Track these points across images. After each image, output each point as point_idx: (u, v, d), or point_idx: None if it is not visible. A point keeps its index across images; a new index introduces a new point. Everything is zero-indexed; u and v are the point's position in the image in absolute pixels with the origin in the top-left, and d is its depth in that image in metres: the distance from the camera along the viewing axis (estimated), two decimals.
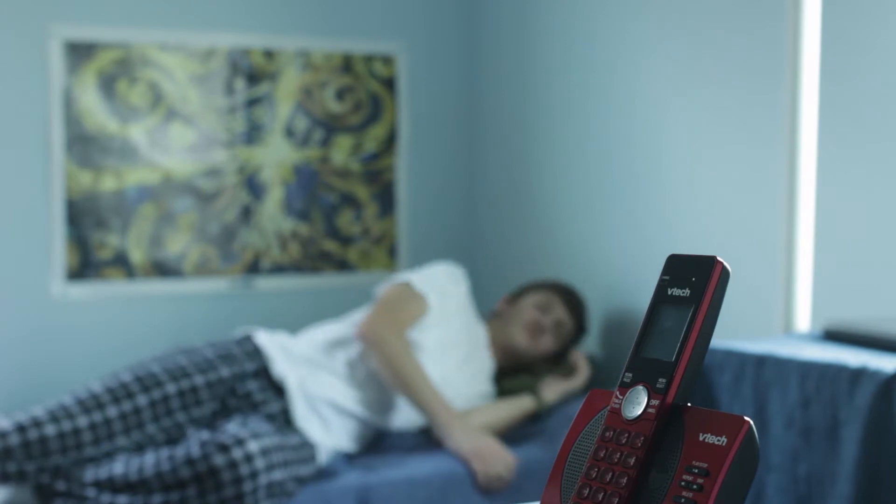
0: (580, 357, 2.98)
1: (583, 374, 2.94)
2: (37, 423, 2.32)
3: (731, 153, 2.71)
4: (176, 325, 3.44)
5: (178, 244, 3.47)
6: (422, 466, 2.56)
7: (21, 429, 2.30)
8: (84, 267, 3.35)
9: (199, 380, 2.50)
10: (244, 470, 2.24)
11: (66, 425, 2.34)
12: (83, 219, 3.35)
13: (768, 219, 2.53)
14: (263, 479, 2.25)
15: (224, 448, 2.26)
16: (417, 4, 3.79)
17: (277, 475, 2.29)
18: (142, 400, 2.43)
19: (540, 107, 3.49)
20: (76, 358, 3.35)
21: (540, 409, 2.82)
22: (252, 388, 2.55)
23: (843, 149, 2.35)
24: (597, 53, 3.21)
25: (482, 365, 2.87)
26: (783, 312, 2.47)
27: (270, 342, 2.67)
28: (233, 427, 2.38)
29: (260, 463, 2.28)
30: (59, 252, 3.32)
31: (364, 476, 2.49)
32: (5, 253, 3.27)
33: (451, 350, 2.76)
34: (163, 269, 3.46)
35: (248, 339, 2.70)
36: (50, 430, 2.32)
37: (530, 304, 2.94)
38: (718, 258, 0.69)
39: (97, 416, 2.38)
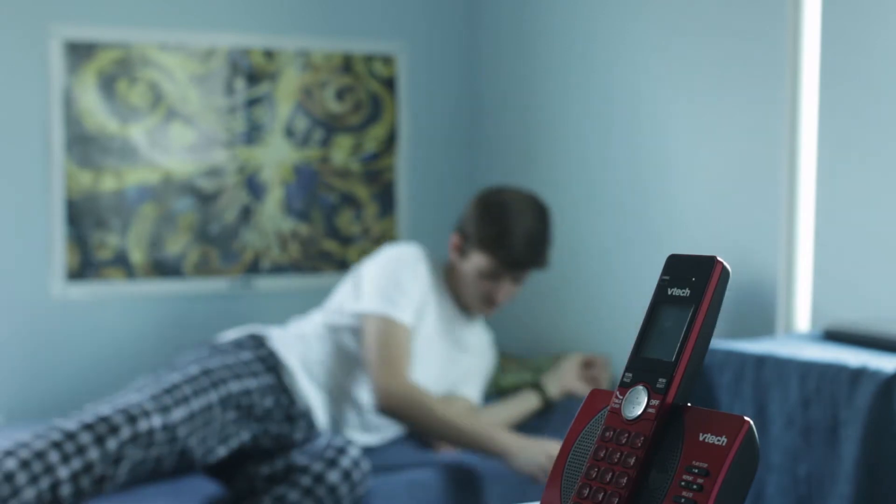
0: (599, 361, 2.94)
1: (600, 380, 2.87)
2: (145, 413, 2.22)
3: (731, 153, 2.71)
4: (176, 325, 3.44)
5: (178, 244, 3.47)
6: (422, 467, 2.55)
7: (132, 419, 2.19)
8: (84, 267, 3.35)
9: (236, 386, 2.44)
10: (357, 476, 2.26)
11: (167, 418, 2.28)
12: (83, 219, 3.35)
13: (768, 219, 2.53)
14: (369, 480, 2.31)
15: (332, 462, 2.25)
16: (417, 4, 3.79)
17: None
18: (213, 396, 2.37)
19: (540, 106, 3.49)
20: (76, 358, 3.35)
21: (545, 406, 2.82)
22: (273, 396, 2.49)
23: (843, 149, 2.35)
24: (597, 53, 3.21)
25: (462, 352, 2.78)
26: (783, 312, 2.47)
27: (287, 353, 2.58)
28: (319, 440, 2.38)
29: (366, 464, 2.30)
30: (59, 252, 3.32)
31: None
32: (5, 253, 3.27)
33: (433, 347, 2.70)
34: (163, 269, 3.46)
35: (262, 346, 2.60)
36: (156, 421, 2.25)
37: (476, 270, 2.62)
38: (718, 258, 0.69)
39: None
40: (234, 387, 2.35)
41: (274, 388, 2.45)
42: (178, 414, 2.21)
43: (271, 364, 2.49)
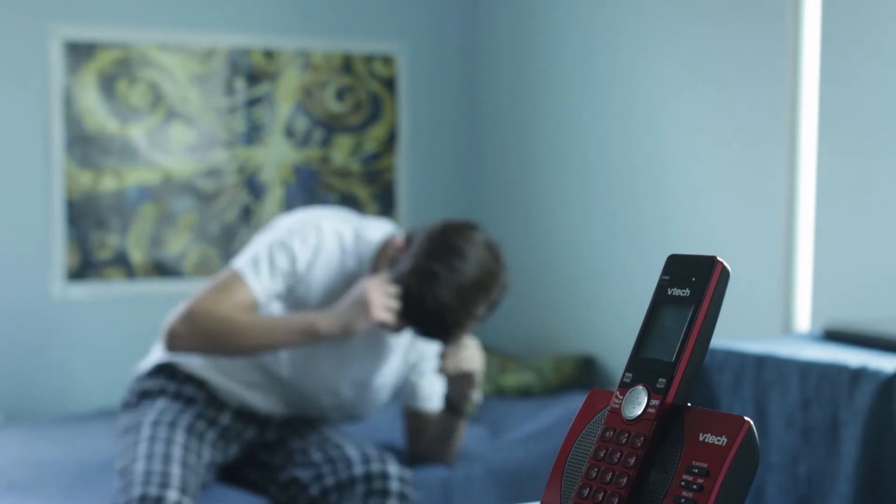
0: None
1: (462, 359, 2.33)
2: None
3: (731, 153, 2.71)
4: None
5: (178, 244, 3.47)
6: (422, 467, 2.55)
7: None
8: (84, 267, 3.35)
9: None
10: (395, 486, 2.19)
11: None
12: (83, 219, 3.35)
13: (768, 219, 2.53)
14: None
15: (384, 476, 2.19)
16: (417, 4, 3.79)
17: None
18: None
19: (540, 106, 3.49)
20: (76, 358, 3.35)
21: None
22: None
23: (843, 149, 2.35)
24: (597, 53, 3.21)
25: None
26: (783, 312, 2.47)
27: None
28: (351, 452, 2.23)
29: (407, 473, 2.24)
30: (59, 252, 3.32)
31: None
32: (5, 253, 3.27)
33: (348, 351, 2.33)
34: (163, 269, 3.46)
35: None
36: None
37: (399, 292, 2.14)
38: (718, 258, 0.69)
39: None
40: (183, 421, 2.20)
41: (207, 401, 2.28)
42: (175, 470, 2.12)
43: (189, 388, 2.31)
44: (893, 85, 2.24)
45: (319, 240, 2.20)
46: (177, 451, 2.11)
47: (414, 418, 2.43)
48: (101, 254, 3.37)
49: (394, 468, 2.18)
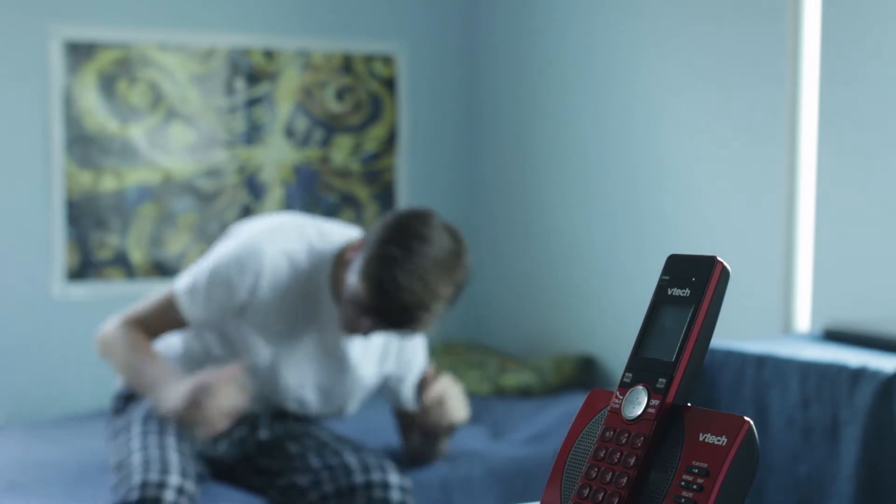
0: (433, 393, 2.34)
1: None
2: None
3: (731, 153, 2.71)
4: None
5: (178, 244, 3.47)
6: (422, 467, 2.55)
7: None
8: (84, 267, 3.35)
9: None
10: (396, 496, 2.17)
11: None
12: (83, 219, 3.35)
13: (768, 219, 2.53)
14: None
15: (385, 486, 2.17)
16: (417, 4, 3.79)
17: None
18: None
19: (539, 106, 3.49)
20: (76, 358, 3.34)
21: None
22: None
23: (843, 149, 2.35)
24: (597, 53, 3.21)
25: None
26: (783, 312, 2.47)
27: None
28: (350, 459, 2.20)
29: (407, 482, 2.22)
30: (59, 252, 3.32)
31: None
32: (5, 253, 3.27)
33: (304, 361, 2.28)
34: (163, 269, 3.45)
35: None
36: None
37: (352, 293, 2.06)
38: (718, 258, 0.69)
39: None
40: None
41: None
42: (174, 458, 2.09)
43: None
44: (893, 85, 2.24)
45: (259, 265, 2.13)
46: (171, 441, 2.11)
47: (403, 416, 2.43)
48: (101, 254, 3.37)
49: (394, 477, 2.17)
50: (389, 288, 1.98)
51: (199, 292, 2.15)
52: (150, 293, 2.31)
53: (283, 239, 2.18)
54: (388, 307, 2.00)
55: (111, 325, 2.23)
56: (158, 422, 2.16)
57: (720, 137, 2.73)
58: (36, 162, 3.30)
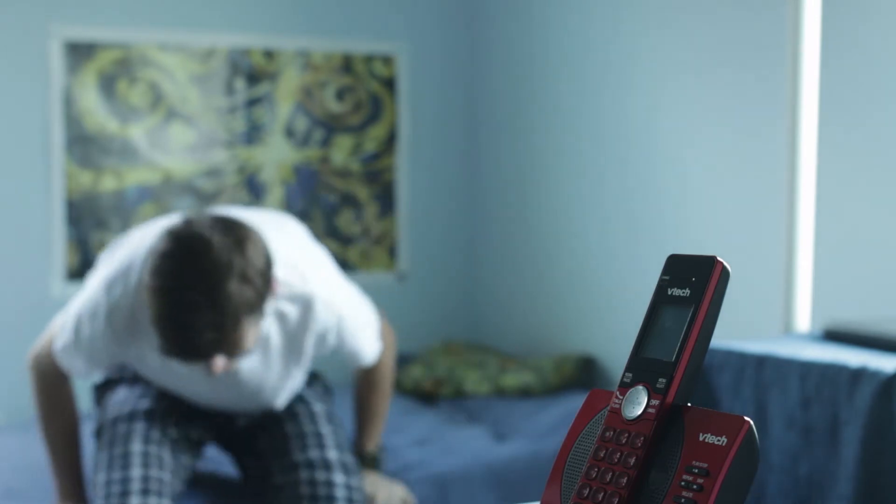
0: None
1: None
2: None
3: (731, 153, 2.71)
4: None
5: None
6: (421, 467, 2.55)
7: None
8: (84, 267, 3.35)
9: None
10: (340, 493, 2.14)
11: None
12: (83, 219, 3.35)
13: (768, 219, 2.53)
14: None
15: (329, 484, 2.11)
16: (417, 4, 3.79)
17: None
18: None
19: (539, 106, 3.49)
20: None
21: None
22: None
23: (843, 149, 2.35)
24: (596, 54, 3.21)
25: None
26: (783, 312, 2.47)
27: None
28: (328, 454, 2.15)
29: (355, 480, 2.17)
30: (59, 252, 3.32)
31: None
32: (5, 253, 3.27)
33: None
34: None
35: None
36: None
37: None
38: (718, 258, 0.69)
39: None
40: (141, 410, 2.14)
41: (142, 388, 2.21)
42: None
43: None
44: (893, 85, 2.24)
45: (110, 303, 1.95)
46: (136, 448, 2.06)
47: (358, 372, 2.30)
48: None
49: (339, 476, 2.11)
50: (162, 324, 1.77)
51: (70, 349, 2.02)
52: (55, 320, 2.15)
53: (121, 268, 1.97)
54: (170, 347, 1.80)
55: (33, 361, 2.13)
56: (127, 421, 2.10)
57: (720, 138, 2.73)
58: (36, 162, 3.30)
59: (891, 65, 2.24)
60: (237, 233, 1.81)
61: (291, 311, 2.00)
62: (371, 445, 2.29)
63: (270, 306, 1.93)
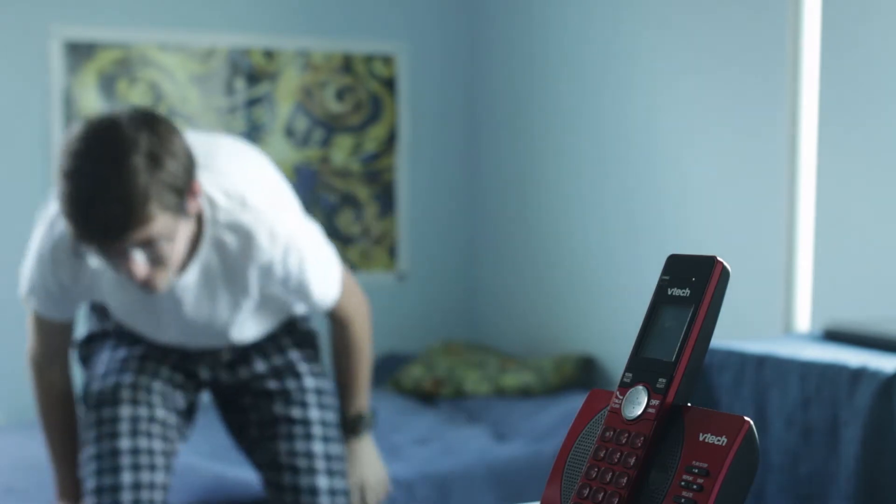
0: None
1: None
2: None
3: (731, 153, 2.71)
4: None
5: None
6: (421, 467, 2.55)
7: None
8: None
9: None
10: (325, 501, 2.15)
11: None
12: None
13: (768, 219, 2.53)
14: None
15: (312, 491, 2.12)
16: (417, 4, 3.79)
17: None
18: None
19: (539, 106, 3.49)
20: (76, 358, 3.34)
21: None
22: None
23: (843, 149, 2.35)
24: (596, 54, 3.21)
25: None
26: (783, 312, 2.47)
27: None
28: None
29: (339, 483, 2.17)
30: None
31: None
32: (5, 253, 3.27)
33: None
34: None
35: None
36: None
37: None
38: (718, 258, 0.69)
39: None
40: (128, 373, 2.12)
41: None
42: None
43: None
44: (893, 85, 2.24)
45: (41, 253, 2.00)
46: (125, 444, 2.04)
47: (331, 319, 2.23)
48: None
49: (323, 481, 2.09)
50: (70, 201, 1.72)
51: (35, 293, 2.05)
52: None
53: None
54: (78, 226, 1.74)
55: (28, 354, 2.18)
56: (111, 399, 2.08)
57: (720, 138, 2.73)
58: (36, 162, 3.30)
59: (891, 65, 2.24)
60: (154, 124, 1.75)
61: (231, 240, 1.93)
62: (353, 410, 2.20)
63: (193, 208, 1.83)
